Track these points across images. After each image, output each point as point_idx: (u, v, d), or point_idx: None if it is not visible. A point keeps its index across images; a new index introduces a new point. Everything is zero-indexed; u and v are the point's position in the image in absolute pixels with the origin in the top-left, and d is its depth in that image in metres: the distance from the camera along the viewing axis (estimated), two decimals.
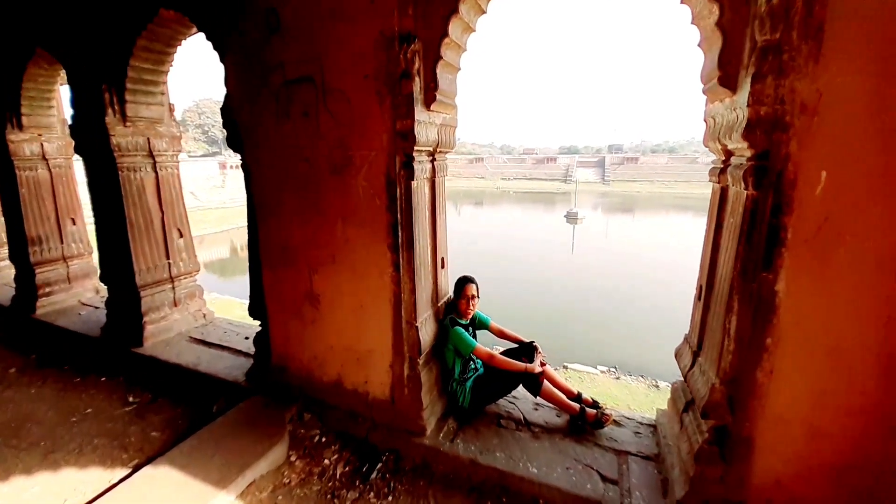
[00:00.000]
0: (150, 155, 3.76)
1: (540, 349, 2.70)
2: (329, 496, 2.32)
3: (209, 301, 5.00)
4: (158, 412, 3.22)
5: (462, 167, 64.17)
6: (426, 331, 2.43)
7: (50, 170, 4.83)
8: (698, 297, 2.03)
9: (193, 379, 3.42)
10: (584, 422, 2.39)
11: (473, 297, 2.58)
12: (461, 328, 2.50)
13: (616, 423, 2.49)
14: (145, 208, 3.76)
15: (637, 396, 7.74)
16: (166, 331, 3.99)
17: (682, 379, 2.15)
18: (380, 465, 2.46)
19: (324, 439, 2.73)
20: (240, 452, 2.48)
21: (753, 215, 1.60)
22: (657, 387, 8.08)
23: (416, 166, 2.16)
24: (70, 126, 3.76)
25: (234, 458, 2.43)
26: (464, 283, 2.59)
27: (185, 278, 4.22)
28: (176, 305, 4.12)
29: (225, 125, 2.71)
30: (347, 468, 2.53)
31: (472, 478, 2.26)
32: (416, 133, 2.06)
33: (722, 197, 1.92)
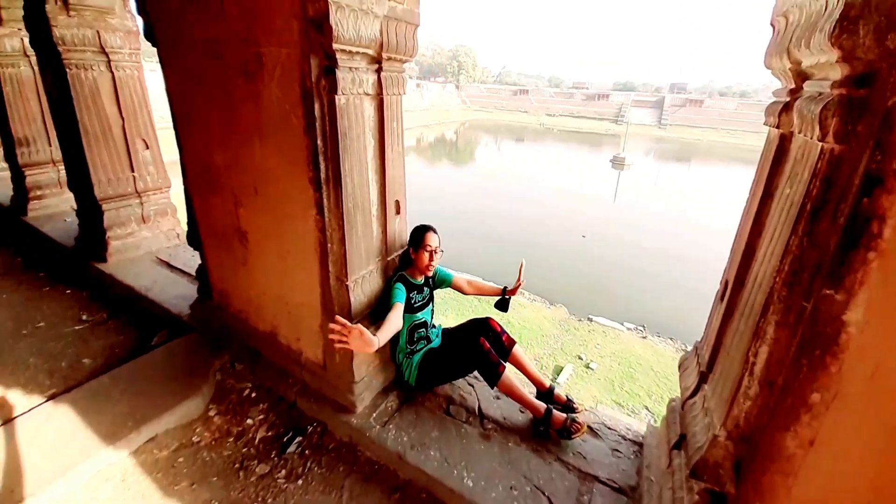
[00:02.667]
0: (103, 52, 3.23)
1: (522, 278, 2.27)
2: (236, 465, 2.03)
3: None
4: (102, 336, 3.03)
5: (505, 99, 59.75)
6: (363, 289, 1.94)
7: (32, 67, 4.42)
8: (720, 297, 1.40)
9: (144, 305, 3.19)
10: (548, 427, 1.91)
11: (435, 250, 2.03)
12: (401, 285, 1.98)
13: (592, 432, 1.97)
14: (101, 114, 3.31)
15: (663, 360, 7.31)
16: (133, 248, 3.75)
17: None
18: (302, 438, 2.13)
19: (254, 395, 2.43)
20: (150, 399, 2.21)
21: (828, 185, 0.92)
22: (686, 351, 7.62)
23: (343, 75, 1.51)
24: (23, 17, 3.26)
25: (140, 406, 2.16)
26: (423, 231, 2.02)
27: (154, 194, 3.88)
28: (144, 222, 3.84)
29: (139, 11, 2.11)
30: (270, 433, 2.23)
31: (398, 474, 1.89)
32: (333, 23, 1.38)
33: (779, 150, 1.20)
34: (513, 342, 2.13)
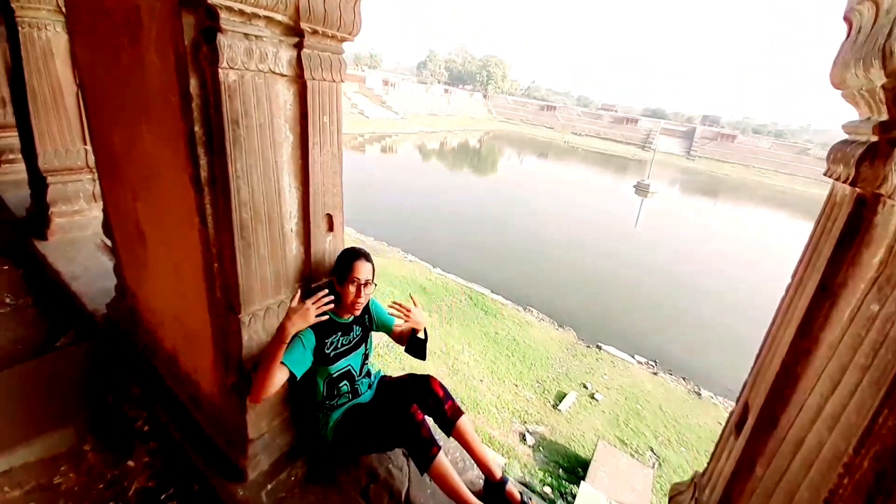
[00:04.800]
0: (60, 11, 2.88)
1: (412, 315, 1.68)
2: None
3: None
4: (14, 326, 2.65)
5: (531, 113, 59.10)
6: (265, 326, 1.50)
7: None
8: (735, 427, 0.91)
9: (68, 294, 2.81)
10: None
11: (367, 283, 1.56)
12: (310, 333, 1.51)
13: None
14: (53, 78, 2.97)
15: (673, 399, 6.84)
16: (79, 228, 3.39)
17: None
18: (180, 502, 1.69)
19: (146, 428, 2.00)
20: (16, 420, 1.81)
21: None
22: (698, 394, 7.11)
23: (231, 42, 1.07)
24: None
25: (2, 427, 1.76)
26: (350, 259, 1.54)
27: None
28: (96, 201, 3.48)
29: None
30: (150, 483, 1.79)
31: None
32: None
33: (855, 221, 0.72)
34: (458, 412, 1.64)
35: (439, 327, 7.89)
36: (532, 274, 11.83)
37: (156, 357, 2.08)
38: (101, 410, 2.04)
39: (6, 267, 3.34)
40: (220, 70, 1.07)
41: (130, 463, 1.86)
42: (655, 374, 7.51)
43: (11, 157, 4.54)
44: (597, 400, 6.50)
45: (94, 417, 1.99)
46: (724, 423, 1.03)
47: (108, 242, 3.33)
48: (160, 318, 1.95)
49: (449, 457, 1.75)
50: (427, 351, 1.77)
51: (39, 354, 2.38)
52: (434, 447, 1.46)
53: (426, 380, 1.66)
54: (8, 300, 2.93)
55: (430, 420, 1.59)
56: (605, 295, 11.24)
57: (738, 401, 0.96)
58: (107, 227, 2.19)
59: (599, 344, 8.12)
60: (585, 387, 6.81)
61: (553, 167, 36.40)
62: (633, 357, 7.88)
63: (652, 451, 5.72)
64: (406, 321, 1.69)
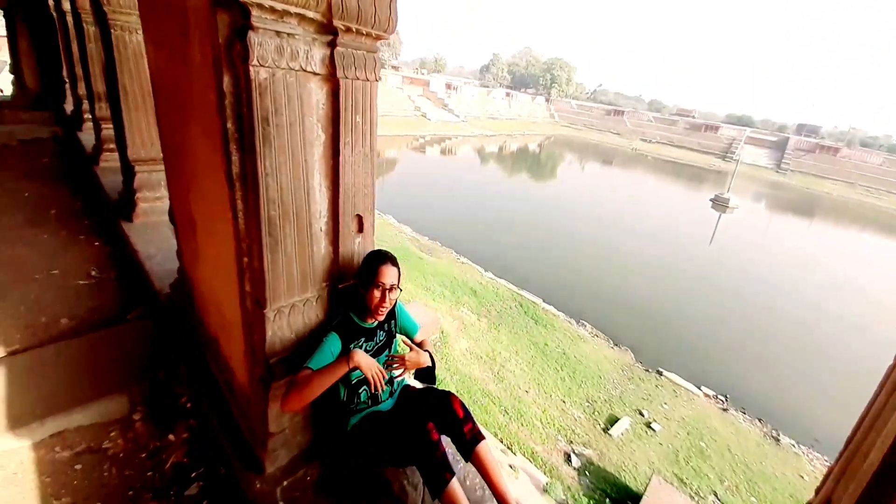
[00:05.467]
0: None
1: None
2: (130, 494, 1.71)
3: None
4: (95, 297, 2.97)
5: (597, 118, 56.35)
6: (290, 322, 1.51)
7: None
8: None
9: (143, 272, 3.09)
10: None
11: (392, 287, 1.52)
12: (336, 337, 1.50)
13: None
14: (143, 78, 3.31)
15: (745, 442, 6.12)
16: (159, 213, 3.72)
17: None
18: (206, 483, 1.76)
19: (188, 406, 2.12)
20: (76, 385, 2.00)
21: None
22: (777, 440, 6.30)
23: (263, 39, 1.07)
24: None
25: (61, 391, 1.95)
26: (376, 262, 1.51)
27: None
28: None
29: None
30: (186, 460, 1.89)
31: None
32: None
33: None
34: (479, 437, 1.53)
35: (487, 332, 7.77)
36: (588, 286, 11.28)
37: (203, 340, 2.20)
38: (153, 384, 2.20)
39: (97, 243, 3.77)
40: (250, 68, 1.07)
41: (171, 437, 1.98)
42: (725, 409, 6.80)
43: (111, 146, 5.13)
44: (654, 430, 6.02)
45: (145, 390, 2.15)
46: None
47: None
48: (207, 303, 2.06)
49: (468, 482, 1.67)
50: (436, 377, 1.71)
51: (111, 325, 2.64)
52: (447, 472, 1.38)
53: (446, 397, 1.58)
54: (94, 273, 3.30)
55: (447, 440, 1.52)
56: (669, 316, 10.38)
57: (817, 491, 0.77)
58: (171, 214, 2.36)
59: (660, 369, 7.54)
60: (641, 414, 6.34)
61: (618, 175, 34.57)
62: (699, 388, 7.21)
63: (715, 495, 5.16)
64: (406, 370, 1.64)
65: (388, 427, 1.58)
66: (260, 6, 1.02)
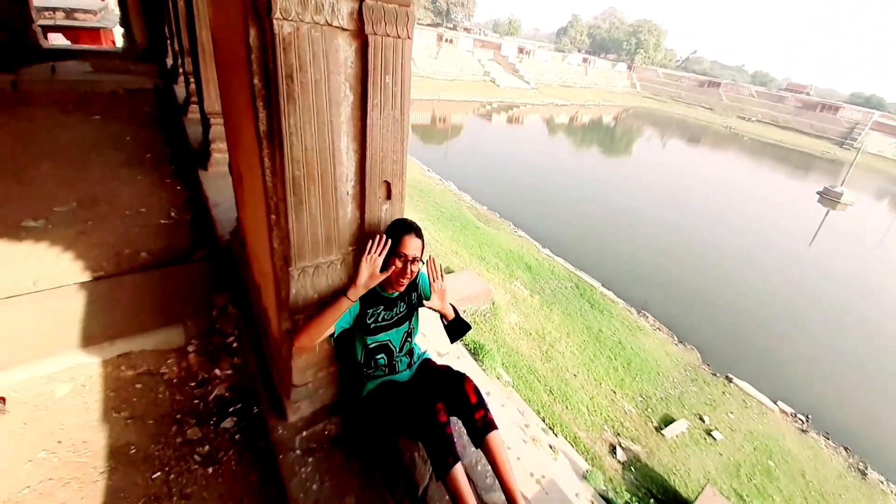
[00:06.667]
0: None
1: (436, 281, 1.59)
2: (178, 416, 1.92)
3: None
4: (173, 235, 3.30)
5: (686, 89, 49.95)
6: (313, 283, 1.54)
7: None
8: None
9: (209, 219, 3.36)
10: None
11: (415, 259, 1.49)
12: (356, 302, 1.50)
13: None
14: None
15: (823, 469, 5.53)
16: None
17: None
18: (241, 418, 1.93)
19: (234, 345, 2.31)
20: (143, 313, 2.25)
21: None
22: (863, 473, 5.60)
23: None
24: None
25: (131, 317, 2.21)
26: (400, 232, 1.47)
27: None
28: None
29: None
30: (228, 394, 2.08)
31: None
32: None
33: None
34: (490, 425, 1.47)
35: (539, 310, 7.61)
36: (654, 276, 10.52)
37: (249, 286, 2.36)
38: (207, 321, 2.42)
39: (179, 188, 4.16)
40: (274, 21, 1.03)
41: (217, 371, 2.19)
42: (804, 431, 6.16)
43: (195, 99, 5.54)
44: (714, 438, 5.62)
45: (200, 325, 2.38)
46: None
47: None
48: (252, 254, 2.18)
49: (479, 467, 1.65)
50: (462, 333, 1.70)
51: (179, 263, 2.93)
52: (450, 457, 1.36)
53: (460, 379, 1.54)
54: (173, 214, 3.65)
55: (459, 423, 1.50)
56: (746, 320, 9.40)
57: None
58: (229, 166, 2.50)
59: (730, 375, 6.97)
60: (702, 419, 5.95)
61: (706, 155, 31.03)
62: (775, 403, 6.58)
63: None
64: (432, 286, 1.60)
65: (403, 398, 1.59)
66: None
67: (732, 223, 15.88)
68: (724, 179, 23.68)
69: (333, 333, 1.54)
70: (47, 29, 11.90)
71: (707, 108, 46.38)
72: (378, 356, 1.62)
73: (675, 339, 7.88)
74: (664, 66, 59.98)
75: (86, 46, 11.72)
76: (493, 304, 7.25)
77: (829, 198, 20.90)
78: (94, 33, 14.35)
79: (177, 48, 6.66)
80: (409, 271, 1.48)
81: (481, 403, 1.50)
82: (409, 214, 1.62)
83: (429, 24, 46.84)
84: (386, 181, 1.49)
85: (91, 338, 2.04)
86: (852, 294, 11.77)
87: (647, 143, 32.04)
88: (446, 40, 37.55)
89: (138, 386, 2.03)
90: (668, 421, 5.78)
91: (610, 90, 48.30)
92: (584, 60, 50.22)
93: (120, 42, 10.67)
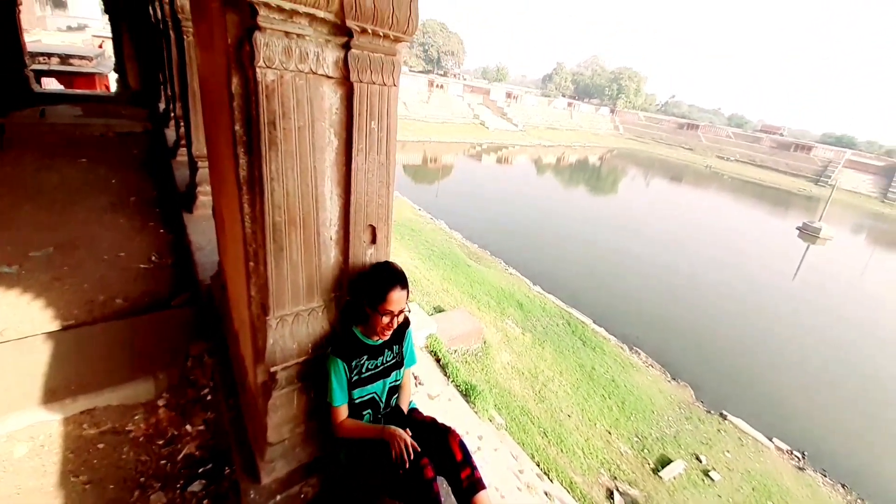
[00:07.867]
0: None
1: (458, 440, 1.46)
2: (141, 480, 1.76)
3: None
4: (151, 281, 3.18)
5: (667, 131, 52.48)
6: (293, 332, 1.46)
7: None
8: None
9: (191, 263, 3.27)
10: None
11: (400, 311, 1.42)
12: (339, 362, 1.42)
13: None
14: None
15: None
16: None
17: None
18: (209, 482, 1.77)
19: (209, 398, 2.17)
20: (112, 367, 2.11)
21: None
22: None
23: (270, 40, 1.02)
24: None
25: (98, 370, 2.07)
26: (386, 286, 1.39)
27: None
28: None
29: None
30: (198, 453, 1.92)
31: None
32: None
33: None
34: (477, 485, 1.37)
35: (531, 348, 7.46)
36: (645, 312, 10.50)
37: (228, 335, 2.25)
38: (181, 372, 2.28)
39: (162, 231, 4.08)
40: (257, 69, 1.03)
41: (188, 427, 2.03)
42: (801, 468, 6.02)
43: (185, 142, 5.59)
44: (712, 479, 5.43)
45: (173, 377, 2.24)
46: None
47: None
48: (232, 300, 2.09)
49: None
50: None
51: (157, 309, 2.80)
52: None
53: (444, 435, 1.44)
54: (154, 258, 3.55)
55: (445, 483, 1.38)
56: (737, 355, 9.33)
57: None
58: (213, 209, 2.46)
59: (724, 412, 6.84)
60: (699, 459, 5.77)
61: (688, 193, 32.06)
62: (770, 439, 6.44)
63: None
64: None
65: (386, 454, 1.47)
66: (267, 5, 0.98)
67: (718, 258, 16.14)
68: (708, 216, 24.33)
69: (332, 402, 1.47)
70: (41, 74, 12.12)
71: (687, 148, 48.54)
72: (364, 412, 1.52)
73: (668, 375, 7.75)
74: (645, 109, 63.21)
75: (78, 91, 11.93)
76: (485, 342, 7.10)
77: (808, 233, 21.52)
78: (88, 79, 14.66)
79: (169, 93, 6.82)
80: (394, 323, 1.42)
81: (467, 460, 1.39)
82: (400, 254, 1.59)
83: (420, 71, 49.09)
84: (371, 225, 1.46)
85: (53, 393, 1.89)
86: (838, 327, 11.86)
87: (632, 182, 33.07)
88: (437, 86, 39.23)
89: (101, 446, 1.86)
90: (664, 462, 5.58)
91: (594, 132, 50.43)
92: (569, 105, 52.70)
93: (115, 87, 10.88)
